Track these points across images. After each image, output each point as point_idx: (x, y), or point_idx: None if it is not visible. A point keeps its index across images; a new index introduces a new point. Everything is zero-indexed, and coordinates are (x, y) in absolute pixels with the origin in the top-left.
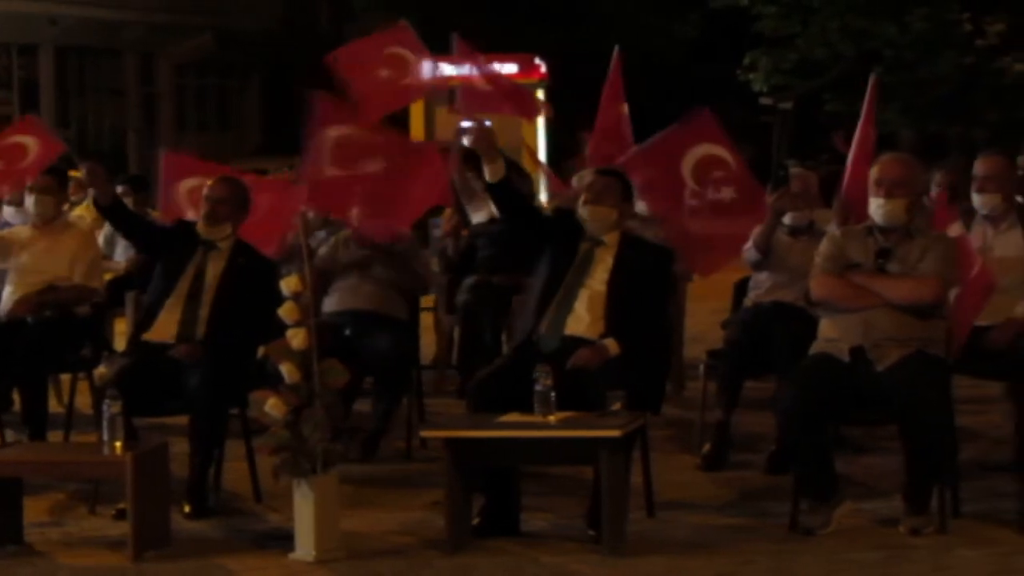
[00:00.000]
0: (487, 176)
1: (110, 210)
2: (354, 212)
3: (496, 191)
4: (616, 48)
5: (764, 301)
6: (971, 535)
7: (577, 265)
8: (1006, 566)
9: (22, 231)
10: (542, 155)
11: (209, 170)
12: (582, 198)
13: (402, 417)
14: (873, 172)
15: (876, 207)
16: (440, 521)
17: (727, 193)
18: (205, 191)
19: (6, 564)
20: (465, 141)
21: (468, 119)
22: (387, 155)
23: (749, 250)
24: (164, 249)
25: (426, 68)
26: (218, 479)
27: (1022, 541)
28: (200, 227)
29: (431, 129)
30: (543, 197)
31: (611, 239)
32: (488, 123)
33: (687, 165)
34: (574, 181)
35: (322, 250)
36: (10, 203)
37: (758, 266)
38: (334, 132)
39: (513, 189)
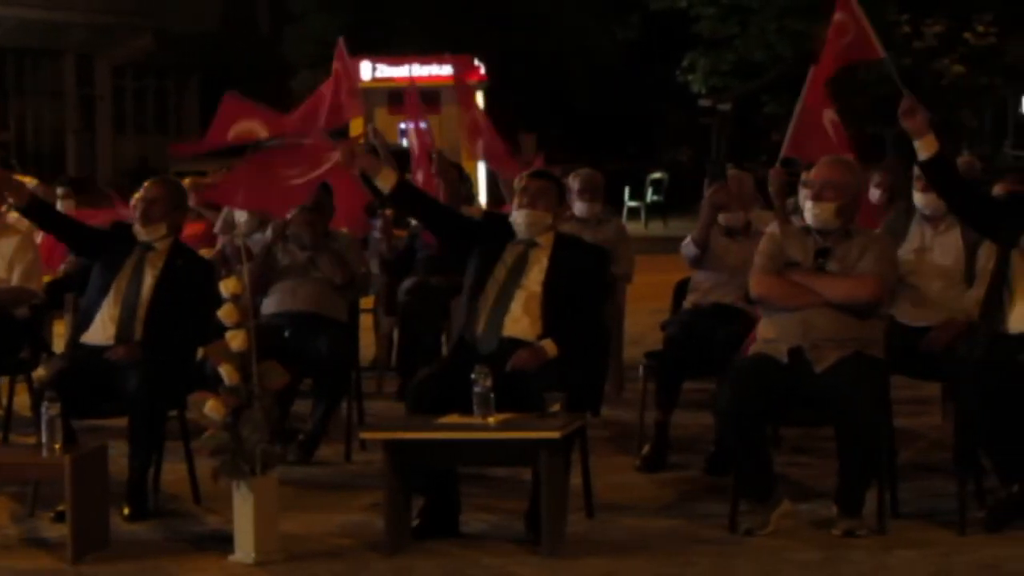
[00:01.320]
0: (380, 188)
1: (28, 211)
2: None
3: (394, 200)
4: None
5: (703, 302)
6: (910, 536)
7: (512, 267)
8: (944, 567)
9: None
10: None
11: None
12: (516, 201)
13: (341, 419)
14: (812, 171)
15: (807, 209)
16: (379, 523)
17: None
18: (140, 192)
19: None
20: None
21: (410, 120)
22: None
23: (687, 245)
24: (100, 251)
25: (365, 70)
26: (157, 481)
27: (960, 542)
28: (136, 228)
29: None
30: (483, 197)
31: (545, 240)
32: (424, 124)
33: None
34: (515, 182)
35: (259, 250)
36: None
37: (696, 263)
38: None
39: (413, 192)
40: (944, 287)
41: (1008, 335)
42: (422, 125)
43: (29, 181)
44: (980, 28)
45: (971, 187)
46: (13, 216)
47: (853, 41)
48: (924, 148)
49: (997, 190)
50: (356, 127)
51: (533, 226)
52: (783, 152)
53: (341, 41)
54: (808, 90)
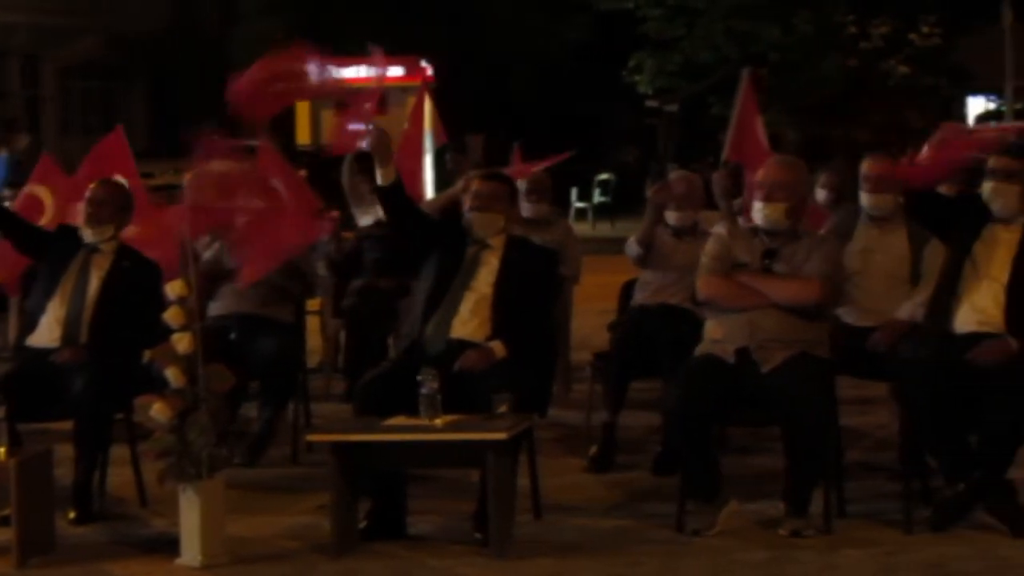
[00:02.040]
0: (379, 179)
1: None
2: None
3: (386, 194)
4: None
5: (650, 303)
6: (856, 535)
7: (463, 268)
8: (891, 566)
9: None
10: (428, 155)
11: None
12: (469, 204)
13: (288, 421)
14: (757, 174)
15: (757, 210)
16: (326, 525)
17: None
18: (87, 193)
19: None
20: (362, 144)
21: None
22: (266, 196)
23: (631, 245)
24: (46, 252)
25: (312, 71)
26: (103, 484)
27: (907, 541)
28: (83, 230)
29: (317, 132)
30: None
31: (497, 242)
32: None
33: None
34: (460, 183)
35: (207, 254)
36: None
37: (641, 262)
38: (217, 167)
39: (402, 193)
40: (889, 288)
41: (954, 335)
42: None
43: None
44: (925, 29)
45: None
46: None
47: None
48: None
49: (944, 190)
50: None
51: (485, 228)
52: (725, 155)
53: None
54: (743, 95)
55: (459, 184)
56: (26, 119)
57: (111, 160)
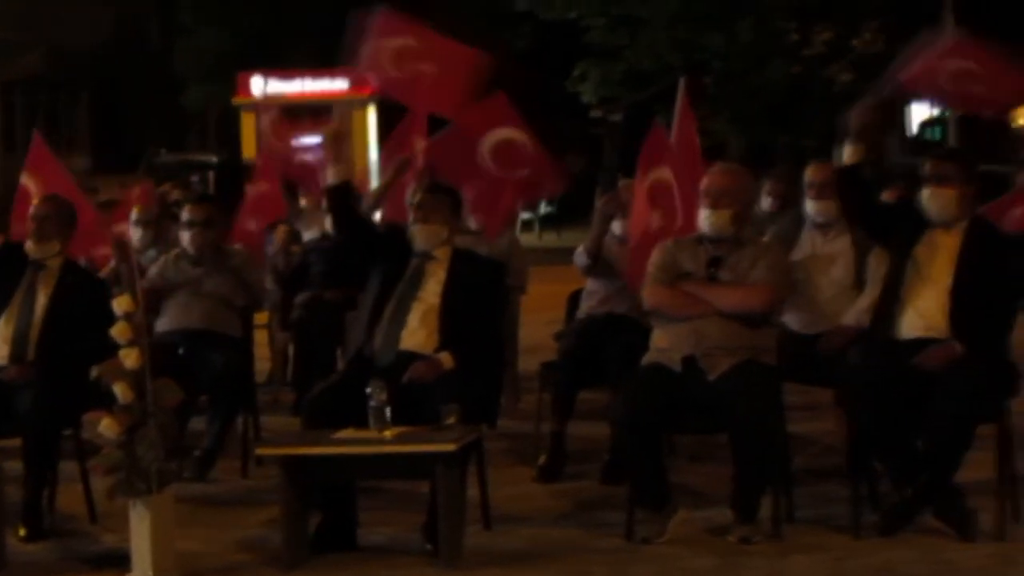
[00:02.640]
0: (330, 176)
1: None
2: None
3: (333, 193)
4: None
5: (597, 312)
6: (805, 541)
7: (409, 280)
8: (839, 570)
9: None
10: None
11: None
12: (412, 216)
13: (237, 434)
14: (702, 182)
15: (703, 217)
16: (277, 538)
17: (522, 173)
18: (33, 209)
19: None
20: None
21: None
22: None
23: (579, 255)
24: None
25: (256, 85)
26: (52, 501)
27: (855, 545)
28: (28, 246)
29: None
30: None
31: (442, 254)
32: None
33: (486, 148)
34: (407, 195)
35: (153, 269)
36: None
37: (588, 272)
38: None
39: (350, 196)
40: (834, 294)
41: (899, 341)
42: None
43: None
44: (868, 35)
45: (867, 194)
46: None
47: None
48: (851, 154)
49: (886, 196)
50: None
51: (429, 240)
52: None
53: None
54: (680, 105)
55: (390, 172)
56: None
57: (44, 172)
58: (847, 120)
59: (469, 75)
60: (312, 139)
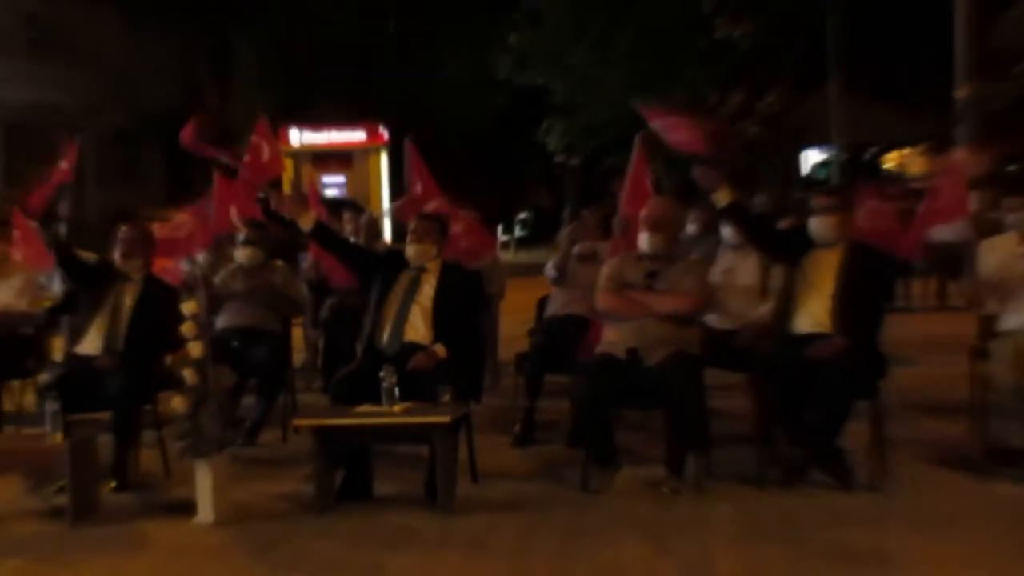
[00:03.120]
0: (302, 226)
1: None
2: None
3: (312, 235)
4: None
5: (560, 313)
6: (721, 491)
7: (408, 286)
8: (748, 513)
9: None
10: (385, 200)
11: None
12: (408, 237)
13: (278, 410)
14: (642, 211)
15: (643, 239)
16: (310, 490)
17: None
18: (119, 234)
19: None
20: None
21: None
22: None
23: (549, 269)
24: (91, 281)
25: (294, 136)
26: (136, 461)
27: (761, 495)
28: (117, 263)
29: (298, 181)
30: (387, 233)
31: (432, 267)
32: (342, 178)
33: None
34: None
35: (216, 279)
36: None
37: (556, 282)
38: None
39: (326, 232)
40: (746, 299)
41: (794, 336)
42: (341, 179)
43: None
44: (770, 98)
45: (764, 222)
46: (18, 256)
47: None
48: (722, 198)
49: (783, 224)
50: (285, 181)
51: (421, 256)
52: (621, 208)
53: (262, 119)
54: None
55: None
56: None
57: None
58: (697, 179)
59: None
60: (337, 178)
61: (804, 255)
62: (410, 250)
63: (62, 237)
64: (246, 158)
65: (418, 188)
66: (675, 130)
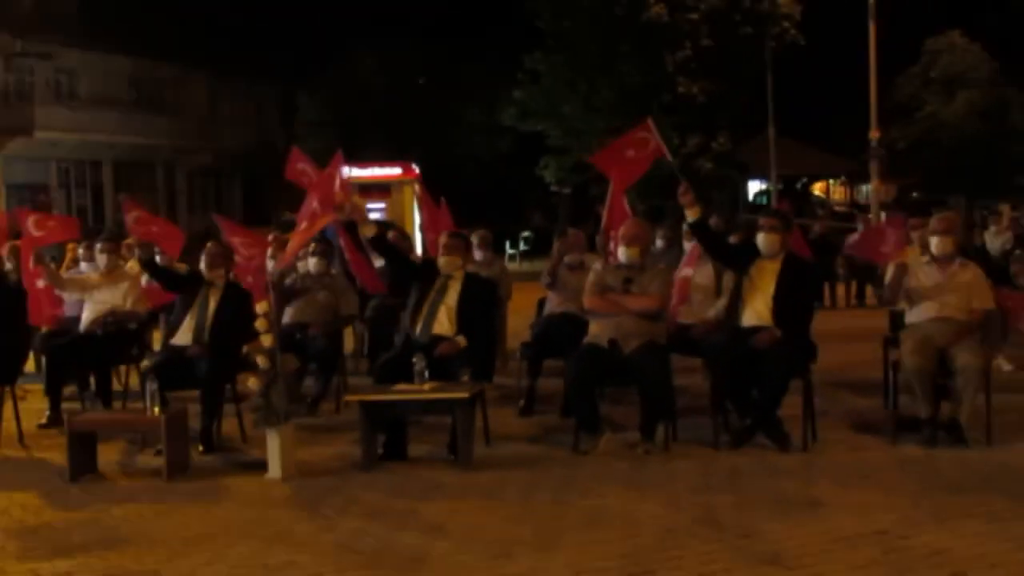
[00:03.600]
0: (363, 233)
1: (147, 265)
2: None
3: (372, 242)
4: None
5: (556, 311)
6: (684, 452)
7: (437, 291)
8: (705, 470)
9: (93, 276)
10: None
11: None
12: (440, 251)
13: (333, 388)
14: (620, 230)
15: (621, 252)
16: (358, 452)
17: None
18: (206, 250)
19: (88, 486)
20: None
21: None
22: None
23: (544, 276)
24: (183, 287)
25: (344, 170)
26: (219, 429)
27: (716, 455)
28: (203, 272)
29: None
30: (419, 249)
31: (457, 275)
32: (383, 205)
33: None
34: (440, 239)
35: (287, 281)
36: (84, 259)
37: (549, 287)
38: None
39: (385, 241)
40: (703, 298)
41: (741, 328)
42: (382, 205)
43: (181, 268)
44: (721, 140)
45: (720, 237)
46: (129, 265)
47: (653, 150)
48: (691, 214)
49: (732, 239)
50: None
51: (450, 266)
52: (603, 223)
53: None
54: (613, 183)
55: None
56: (166, 205)
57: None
58: (679, 199)
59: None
60: (378, 204)
61: (751, 263)
62: (441, 261)
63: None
64: (319, 184)
65: (425, 215)
66: (619, 164)
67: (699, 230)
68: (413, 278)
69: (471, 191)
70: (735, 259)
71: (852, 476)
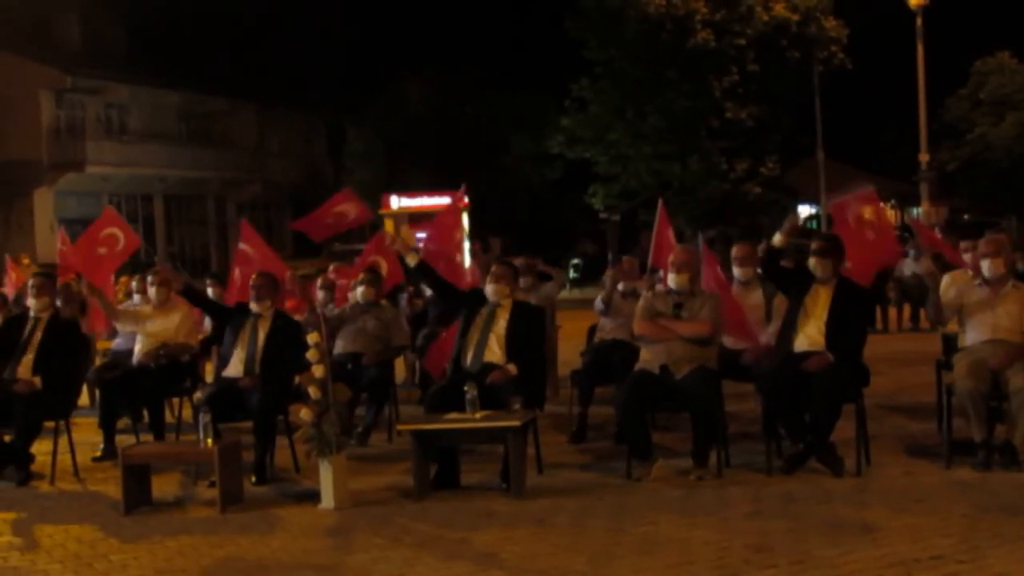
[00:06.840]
0: (408, 263)
1: (184, 293)
2: None
3: (416, 271)
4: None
5: (607, 338)
6: (737, 477)
7: (486, 318)
8: (758, 495)
9: (146, 309)
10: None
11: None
12: (489, 279)
13: (385, 417)
14: (670, 257)
15: (671, 278)
16: (410, 481)
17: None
18: (252, 281)
19: (141, 517)
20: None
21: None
22: None
23: (598, 303)
24: (229, 319)
25: (393, 200)
26: (272, 460)
27: (768, 480)
28: (251, 304)
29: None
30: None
31: (506, 303)
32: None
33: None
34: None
35: (335, 310)
36: (136, 292)
37: (603, 314)
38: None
39: (428, 269)
40: (752, 324)
41: (793, 352)
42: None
43: (217, 292)
44: (770, 164)
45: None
46: (177, 298)
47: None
48: (779, 241)
49: (783, 263)
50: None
51: (497, 294)
52: (650, 260)
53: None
54: (659, 216)
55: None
56: (218, 236)
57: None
58: (777, 219)
59: None
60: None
61: (802, 288)
62: (489, 289)
63: (195, 287)
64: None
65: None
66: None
67: (775, 254)
68: (460, 305)
69: (520, 219)
70: (794, 285)
71: (906, 500)
